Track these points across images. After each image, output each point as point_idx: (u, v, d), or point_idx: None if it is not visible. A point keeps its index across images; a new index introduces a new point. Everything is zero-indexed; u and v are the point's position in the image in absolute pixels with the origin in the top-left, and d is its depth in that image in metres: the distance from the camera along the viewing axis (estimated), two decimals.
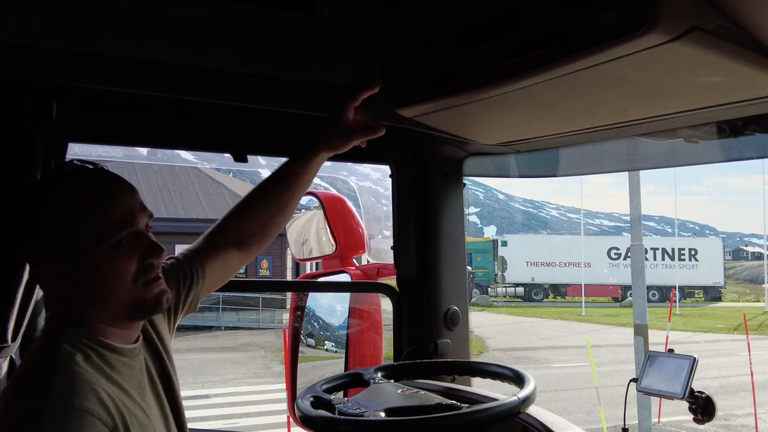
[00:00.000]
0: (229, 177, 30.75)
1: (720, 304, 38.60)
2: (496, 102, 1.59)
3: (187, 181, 27.48)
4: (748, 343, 11.46)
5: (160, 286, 1.29)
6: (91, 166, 1.28)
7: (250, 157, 2.06)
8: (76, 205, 1.22)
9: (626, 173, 10.11)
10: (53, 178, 1.30)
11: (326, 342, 2.97)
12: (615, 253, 37.67)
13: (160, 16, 1.62)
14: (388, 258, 2.36)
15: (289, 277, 22.13)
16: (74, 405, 1.11)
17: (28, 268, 1.54)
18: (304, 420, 1.51)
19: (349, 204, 2.90)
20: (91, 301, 1.25)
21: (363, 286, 2.81)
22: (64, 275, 1.23)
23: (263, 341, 19.05)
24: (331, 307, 3.00)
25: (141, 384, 1.32)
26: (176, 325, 1.57)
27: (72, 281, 1.24)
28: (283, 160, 1.68)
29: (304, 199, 3.12)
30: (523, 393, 1.48)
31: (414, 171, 2.27)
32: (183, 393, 1.46)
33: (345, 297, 2.88)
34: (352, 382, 1.81)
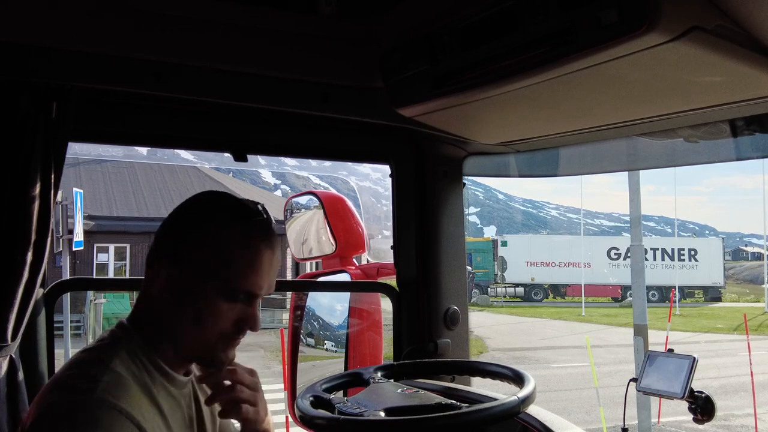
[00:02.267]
0: (229, 177, 30.78)
1: (720, 304, 38.61)
2: (496, 102, 1.59)
3: (187, 181, 27.47)
4: (748, 343, 11.46)
5: (232, 353, 1.34)
6: (272, 220, 1.34)
7: (250, 157, 2.06)
8: (240, 243, 1.27)
9: (626, 173, 10.10)
10: (238, 207, 1.32)
11: (326, 341, 2.97)
12: (615, 253, 37.68)
13: (160, 16, 1.62)
14: (388, 258, 2.36)
15: (289, 277, 22.13)
16: (113, 404, 1.15)
17: (28, 266, 1.54)
18: (303, 420, 1.50)
19: (349, 204, 2.90)
20: (177, 322, 1.29)
21: (363, 285, 2.81)
22: (173, 284, 1.27)
23: (263, 341, 19.03)
24: (331, 307, 3.00)
25: (181, 416, 1.35)
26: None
27: (175, 295, 1.28)
28: (283, 159, 1.68)
29: (304, 199, 3.12)
30: (523, 393, 1.48)
31: (414, 171, 2.27)
32: None
33: (345, 297, 2.88)
34: (351, 381, 1.81)
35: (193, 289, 1.27)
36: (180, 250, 1.29)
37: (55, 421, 1.13)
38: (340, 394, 1.78)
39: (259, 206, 1.35)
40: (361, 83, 1.89)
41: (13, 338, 1.55)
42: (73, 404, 1.14)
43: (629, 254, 10.01)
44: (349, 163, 3.36)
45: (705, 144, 1.84)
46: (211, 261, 1.27)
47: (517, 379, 1.63)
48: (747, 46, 1.21)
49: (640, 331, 9.14)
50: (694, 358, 1.70)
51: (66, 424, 1.12)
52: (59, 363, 1.38)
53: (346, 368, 2.73)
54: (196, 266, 1.27)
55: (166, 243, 1.32)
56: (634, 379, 1.83)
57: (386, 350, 2.68)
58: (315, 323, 3.02)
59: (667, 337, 12.51)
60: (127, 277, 18.77)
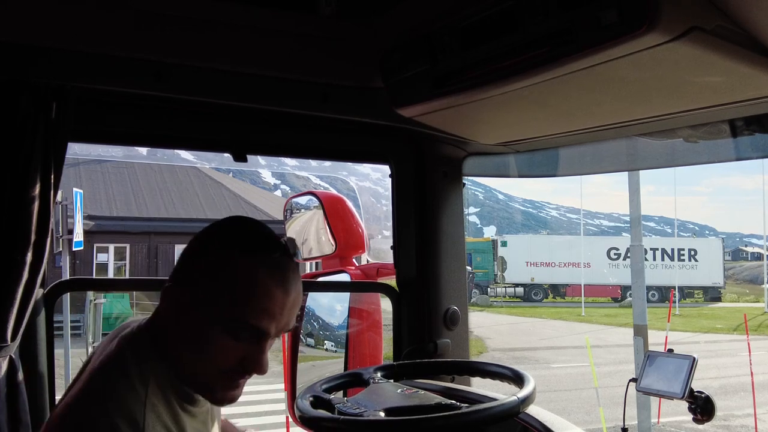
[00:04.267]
0: (228, 177, 30.74)
1: (719, 304, 38.59)
2: (496, 102, 1.59)
3: (186, 181, 27.46)
4: (748, 344, 11.45)
5: (234, 395, 1.28)
6: (290, 258, 1.27)
7: (250, 157, 2.06)
8: (247, 280, 1.20)
9: (626, 173, 10.10)
10: (253, 240, 1.25)
11: (326, 342, 2.97)
12: (614, 254, 37.68)
13: (160, 16, 1.62)
14: (388, 258, 2.36)
15: None
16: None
17: (28, 266, 1.54)
18: (303, 420, 1.50)
19: (349, 204, 2.90)
20: (179, 348, 1.24)
21: (363, 285, 2.81)
22: (179, 307, 1.23)
23: None
24: (330, 307, 3.00)
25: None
26: None
27: (179, 319, 1.24)
28: (283, 159, 1.68)
29: (304, 199, 3.11)
30: (523, 393, 1.48)
31: (414, 171, 2.27)
32: None
33: (345, 297, 2.88)
34: (351, 381, 1.80)
35: (196, 317, 1.21)
36: (191, 274, 1.25)
37: None
38: (340, 394, 1.78)
39: (282, 240, 1.28)
40: (361, 83, 1.89)
41: (13, 338, 1.55)
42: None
43: (629, 254, 10.01)
44: (349, 163, 3.36)
45: (705, 144, 1.84)
46: (217, 293, 1.20)
47: (517, 379, 1.63)
48: (747, 47, 1.21)
49: (640, 332, 9.13)
50: (694, 358, 1.70)
51: None
52: (59, 363, 1.38)
53: (345, 368, 2.72)
54: (202, 295, 1.21)
55: (182, 264, 1.28)
56: (634, 379, 1.83)
57: (386, 350, 2.68)
58: (315, 323, 3.02)
59: (666, 337, 12.50)
60: (127, 277, 18.77)
